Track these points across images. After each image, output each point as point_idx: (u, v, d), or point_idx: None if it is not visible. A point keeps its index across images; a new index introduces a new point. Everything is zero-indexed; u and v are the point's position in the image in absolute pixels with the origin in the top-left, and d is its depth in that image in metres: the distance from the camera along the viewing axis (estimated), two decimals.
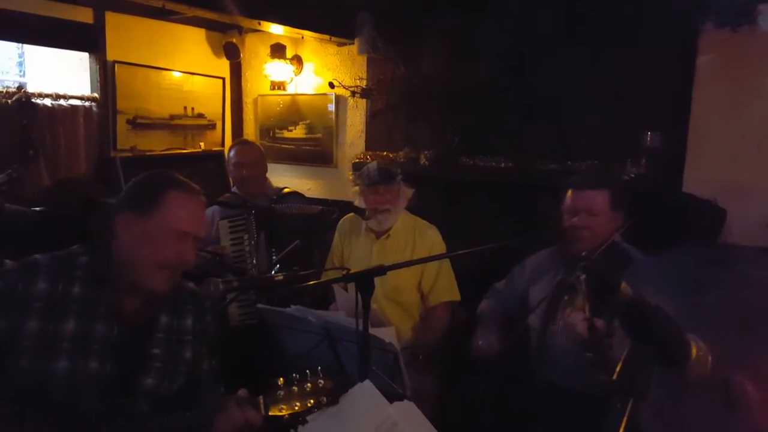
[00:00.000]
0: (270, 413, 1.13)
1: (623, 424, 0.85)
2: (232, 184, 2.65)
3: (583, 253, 0.99)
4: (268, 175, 2.57)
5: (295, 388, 1.14)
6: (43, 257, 1.20)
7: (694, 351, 0.84)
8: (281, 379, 1.15)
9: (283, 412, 1.13)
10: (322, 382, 1.15)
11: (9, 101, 2.79)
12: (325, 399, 1.13)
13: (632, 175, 2.50)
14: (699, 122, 2.52)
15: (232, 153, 2.50)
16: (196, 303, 1.35)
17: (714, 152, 2.47)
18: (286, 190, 2.55)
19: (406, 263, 1.57)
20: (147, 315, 1.25)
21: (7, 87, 2.88)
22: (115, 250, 1.21)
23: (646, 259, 1.64)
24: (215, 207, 2.38)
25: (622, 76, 2.60)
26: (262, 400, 1.14)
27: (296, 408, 1.12)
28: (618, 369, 0.91)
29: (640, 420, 0.86)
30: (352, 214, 2.29)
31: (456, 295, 2.15)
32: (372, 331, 1.36)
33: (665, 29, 2.45)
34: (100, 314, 1.19)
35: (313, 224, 2.33)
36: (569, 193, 1.77)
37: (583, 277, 0.91)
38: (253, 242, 2.27)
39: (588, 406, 1.30)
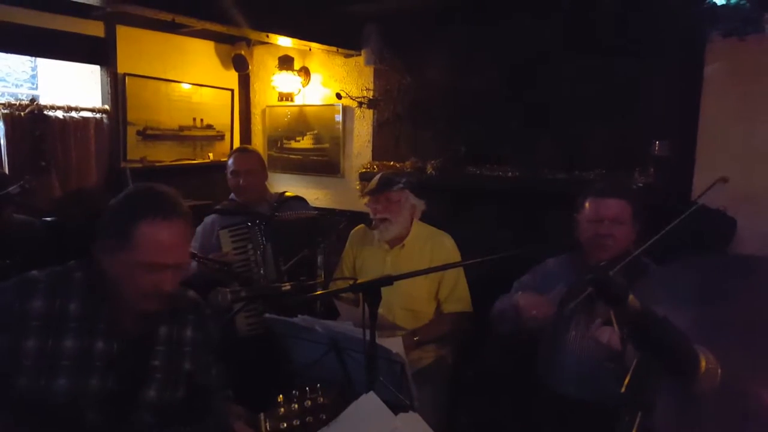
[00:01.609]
0: (270, 430, 1.13)
1: None
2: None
3: (602, 263, 0.96)
4: (275, 184, 2.58)
5: (295, 405, 1.15)
6: (39, 273, 1.18)
7: (703, 363, 0.83)
8: (281, 396, 1.16)
9: (284, 429, 1.13)
10: (321, 398, 1.15)
11: (22, 113, 2.84)
12: (324, 416, 1.14)
13: (640, 185, 2.48)
14: (708, 131, 2.51)
15: (230, 161, 2.43)
16: (197, 313, 1.33)
17: (723, 161, 2.45)
18: (287, 194, 2.52)
19: (413, 273, 1.55)
20: (146, 328, 1.24)
21: (20, 99, 2.93)
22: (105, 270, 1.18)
23: (657, 269, 1.63)
24: (214, 216, 2.38)
25: (629, 84, 2.59)
26: (263, 417, 1.14)
27: (296, 424, 1.13)
28: (626, 381, 0.90)
29: None
30: (363, 225, 2.29)
31: (469, 306, 2.13)
32: (379, 341, 1.36)
33: (673, 38, 2.45)
34: (99, 331, 1.17)
35: (313, 229, 2.32)
36: (589, 202, 1.74)
37: (590, 289, 0.90)
38: (259, 252, 2.26)
39: (597, 418, 1.28)
